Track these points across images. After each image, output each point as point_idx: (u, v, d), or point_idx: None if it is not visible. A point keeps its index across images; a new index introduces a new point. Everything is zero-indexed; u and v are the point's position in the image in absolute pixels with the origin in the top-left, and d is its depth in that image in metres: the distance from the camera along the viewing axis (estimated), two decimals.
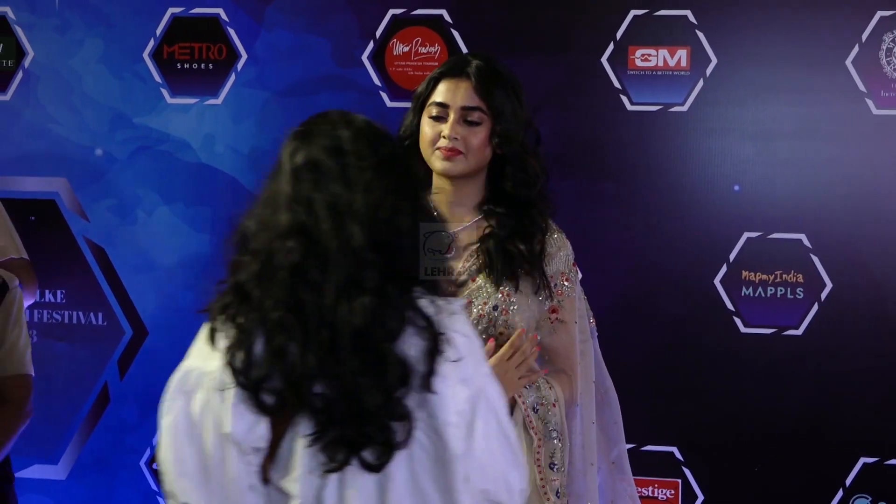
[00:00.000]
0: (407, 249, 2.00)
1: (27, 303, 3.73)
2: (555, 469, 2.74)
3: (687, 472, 3.86)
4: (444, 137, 2.75)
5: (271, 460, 1.99)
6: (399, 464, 1.95)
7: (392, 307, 1.93)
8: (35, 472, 4.15)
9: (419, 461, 1.97)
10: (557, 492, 2.74)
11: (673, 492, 3.86)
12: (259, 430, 1.97)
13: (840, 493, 3.78)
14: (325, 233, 1.95)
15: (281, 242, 1.96)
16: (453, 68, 2.80)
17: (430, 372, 1.93)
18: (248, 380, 1.94)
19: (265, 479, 1.99)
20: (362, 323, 1.91)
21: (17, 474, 4.15)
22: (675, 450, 3.86)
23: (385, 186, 1.99)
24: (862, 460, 3.76)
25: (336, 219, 1.96)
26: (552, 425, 2.74)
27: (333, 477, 1.95)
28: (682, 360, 3.83)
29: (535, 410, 2.74)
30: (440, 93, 2.78)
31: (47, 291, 4.18)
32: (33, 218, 4.16)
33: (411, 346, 1.94)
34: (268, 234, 1.99)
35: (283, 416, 1.96)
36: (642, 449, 3.80)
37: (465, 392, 1.98)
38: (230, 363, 1.95)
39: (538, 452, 2.73)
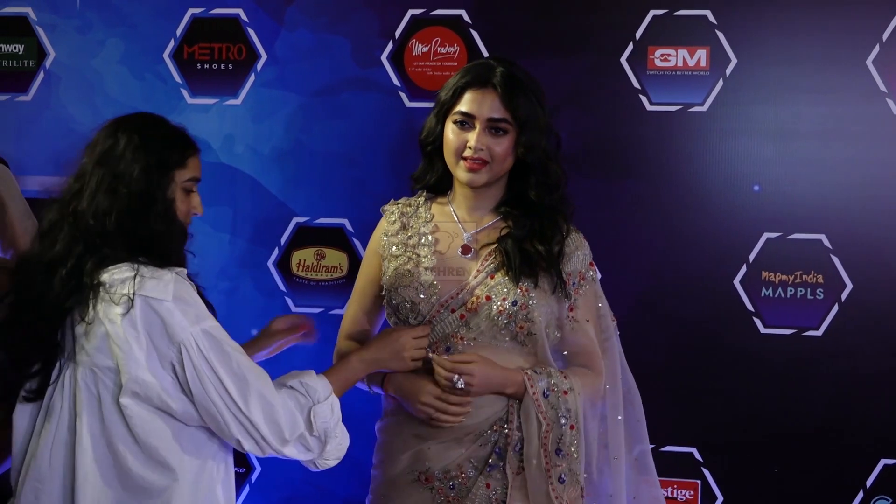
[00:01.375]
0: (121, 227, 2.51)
1: None
2: (560, 455, 2.75)
3: (706, 472, 3.85)
4: (469, 148, 2.77)
5: None
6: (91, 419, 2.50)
7: (78, 284, 2.49)
8: None
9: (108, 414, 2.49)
10: (561, 477, 2.74)
11: (692, 492, 3.85)
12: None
13: (860, 495, 3.76)
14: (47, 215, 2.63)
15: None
16: (478, 78, 2.80)
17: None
18: None
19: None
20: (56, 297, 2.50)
21: None
22: (694, 450, 3.85)
23: (100, 174, 2.55)
24: (882, 462, 3.75)
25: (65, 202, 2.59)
26: (562, 411, 2.76)
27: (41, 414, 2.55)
28: (701, 360, 3.83)
29: (546, 396, 2.76)
30: (466, 103, 2.79)
31: None
32: None
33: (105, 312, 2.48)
34: None
35: None
36: (662, 449, 3.80)
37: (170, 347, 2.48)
38: None
39: (545, 437, 2.74)
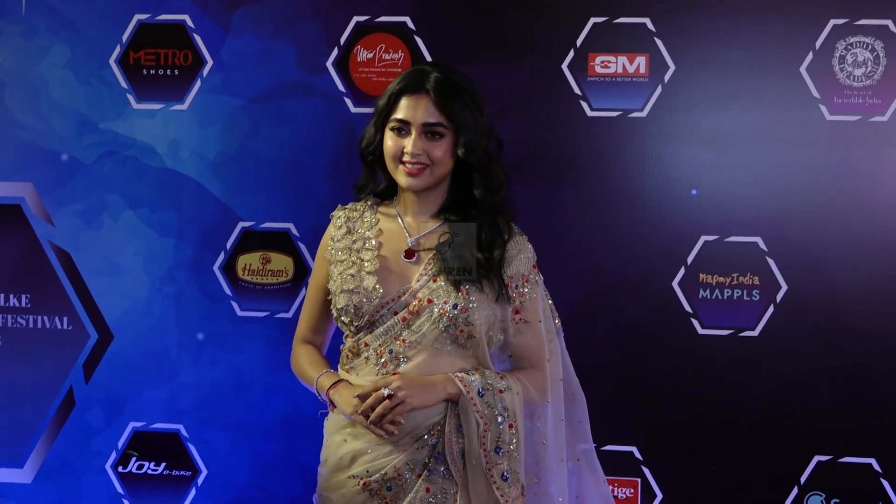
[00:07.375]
0: None
1: None
2: (500, 453, 2.77)
3: (646, 471, 3.91)
4: (407, 153, 2.80)
5: None
6: None
7: None
8: (1, 475, 4.16)
9: None
10: (504, 475, 2.77)
11: (632, 490, 3.91)
12: None
13: (795, 491, 3.84)
14: None
15: None
16: (412, 84, 2.83)
17: None
18: None
19: None
20: None
21: None
22: (634, 449, 3.91)
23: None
24: (816, 458, 3.83)
25: None
26: (498, 410, 2.78)
27: None
28: (641, 361, 3.89)
29: (481, 395, 2.79)
30: (401, 109, 2.82)
31: (12, 296, 4.19)
32: None
33: None
34: None
35: None
36: (602, 448, 3.85)
37: None
38: None
39: (484, 436, 2.77)
